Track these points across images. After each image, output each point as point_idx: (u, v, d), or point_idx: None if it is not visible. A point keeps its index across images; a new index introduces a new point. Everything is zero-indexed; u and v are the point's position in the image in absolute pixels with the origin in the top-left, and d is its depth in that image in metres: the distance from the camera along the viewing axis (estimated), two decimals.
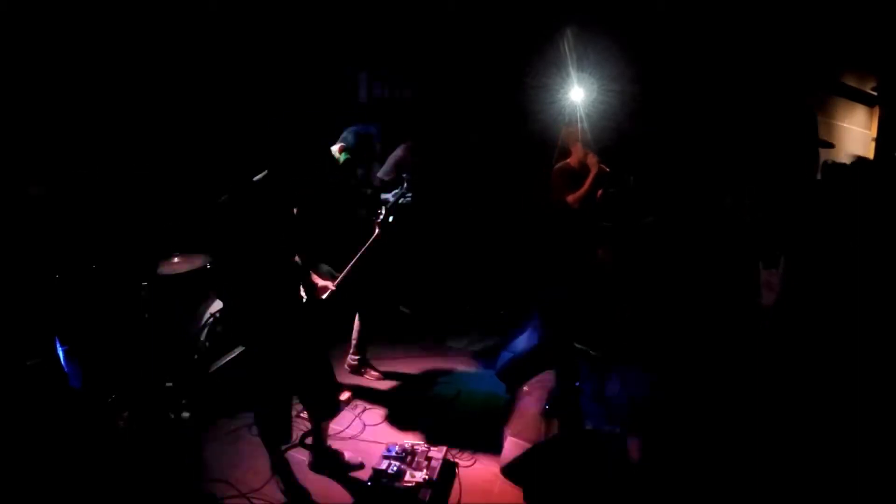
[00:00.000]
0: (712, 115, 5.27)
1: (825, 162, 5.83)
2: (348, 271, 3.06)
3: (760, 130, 4.99)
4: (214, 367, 3.42)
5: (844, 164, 4.34)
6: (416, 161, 4.21)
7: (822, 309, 2.89)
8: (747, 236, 3.63)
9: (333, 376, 2.81)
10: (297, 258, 2.72)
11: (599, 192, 3.95)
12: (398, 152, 4.26)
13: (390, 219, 3.25)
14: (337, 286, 2.90)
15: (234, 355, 3.44)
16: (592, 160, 3.81)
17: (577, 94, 4.04)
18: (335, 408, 2.89)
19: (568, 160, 3.95)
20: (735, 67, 5.33)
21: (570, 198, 3.83)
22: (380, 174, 4.14)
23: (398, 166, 4.14)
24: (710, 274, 3.93)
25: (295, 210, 2.63)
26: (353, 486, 2.83)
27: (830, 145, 5.93)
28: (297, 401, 2.97)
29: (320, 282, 2.85)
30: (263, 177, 2.52)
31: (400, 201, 3.59)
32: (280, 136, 2.53)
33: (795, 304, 3.05)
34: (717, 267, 3.92)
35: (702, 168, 4.91)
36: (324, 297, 2.83)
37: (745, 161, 4.53)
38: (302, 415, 3.16)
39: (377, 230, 3.26)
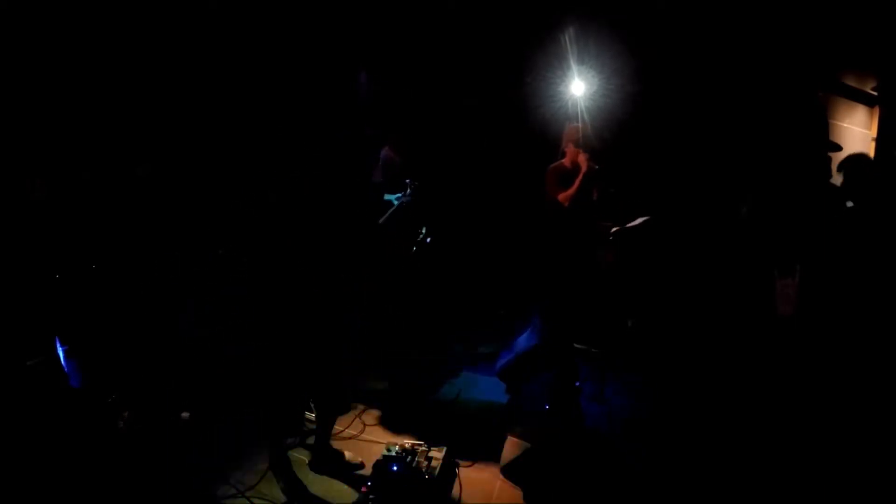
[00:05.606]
0: (715, 113, 5.26)
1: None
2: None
3: (768, 129, 4.95)
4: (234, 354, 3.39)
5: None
6: (402, 159, 4.21)
7: (844, 319, 2.79)
8: (747, 232, 3.58)
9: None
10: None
11: (595, 191, 3.97)
12: (383, 154, 4.27)
13: (428, 239, 3.26)
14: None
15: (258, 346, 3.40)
16: (582, 158, 3.84)
17: (578, 88, 4.06)
18: (349, 403, 2.91)
19: (562, 160, 3.99)
20: (734, 67, 5.33)
21: (561, 196, 3.86)
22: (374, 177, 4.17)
23: (385, 167, 4.15)
24: (714, 277, 3.91)
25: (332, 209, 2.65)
26: (353, 485, 2.83)
27: (839, 147, 5.90)
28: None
29: None
30: (306, 177, 2.55)
31: (404, 203, 3.60)
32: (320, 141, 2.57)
33: (816, 314, 2.94)
34: (719, 270, 3.90)
35: (705, 167, 4.89)
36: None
37: (753, 160, 4.50)
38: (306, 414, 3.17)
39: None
